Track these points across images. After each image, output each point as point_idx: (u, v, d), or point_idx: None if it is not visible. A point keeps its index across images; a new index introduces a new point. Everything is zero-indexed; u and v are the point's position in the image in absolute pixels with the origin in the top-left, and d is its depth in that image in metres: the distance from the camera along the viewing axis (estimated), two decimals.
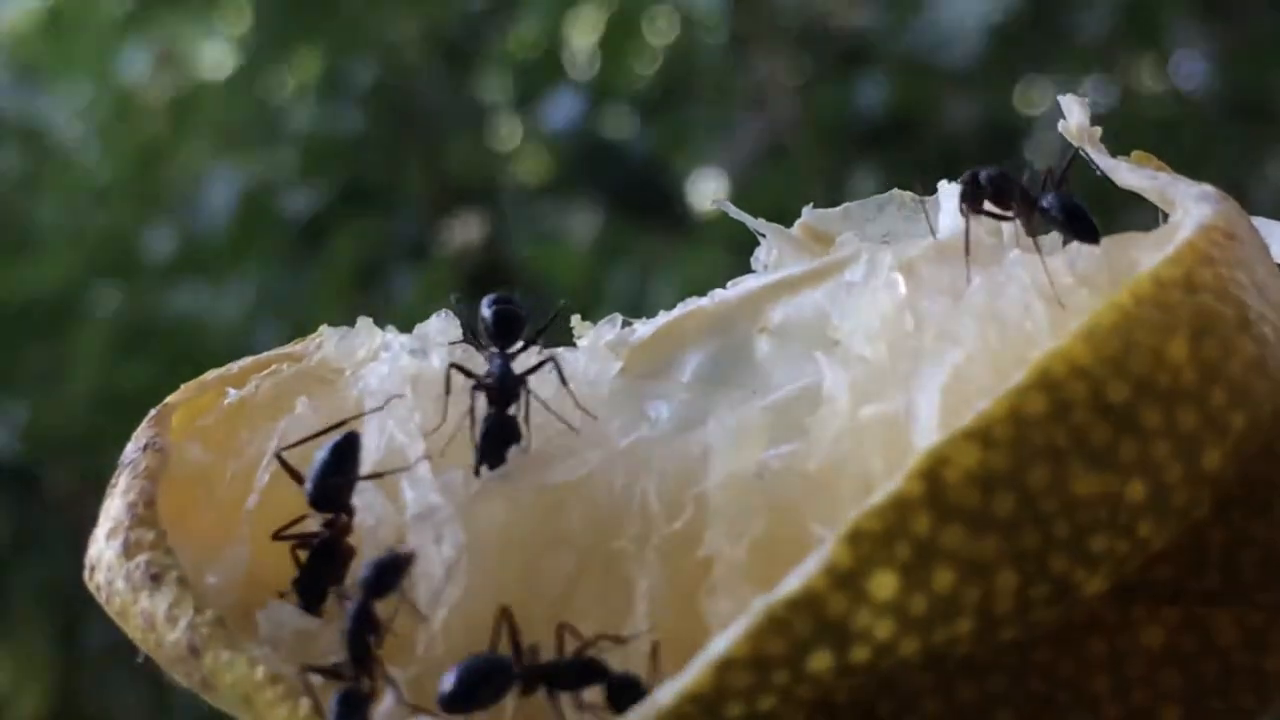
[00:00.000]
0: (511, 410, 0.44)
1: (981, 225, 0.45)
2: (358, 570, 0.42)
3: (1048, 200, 0.44)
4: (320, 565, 0.42)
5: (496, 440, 0.44)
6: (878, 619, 0.38)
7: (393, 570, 0.41)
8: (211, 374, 0.48)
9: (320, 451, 0.43)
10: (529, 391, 0.44)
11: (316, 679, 0.40)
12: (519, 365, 0.45)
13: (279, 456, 0.44)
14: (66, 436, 1.76)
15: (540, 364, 0.45)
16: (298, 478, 0.43)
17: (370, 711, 0.40)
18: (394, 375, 0.46)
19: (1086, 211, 0.43)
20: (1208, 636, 0.43)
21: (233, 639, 0.41)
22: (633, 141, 1.87)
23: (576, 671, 0.40)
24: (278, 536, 0.43)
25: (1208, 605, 0.43)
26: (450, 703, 0.40)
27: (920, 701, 0.43)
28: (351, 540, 0.43)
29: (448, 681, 0.40)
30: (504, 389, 0.44)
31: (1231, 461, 0.40)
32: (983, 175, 0.45)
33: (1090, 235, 0.43)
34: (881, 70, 1.74)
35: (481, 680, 0.40)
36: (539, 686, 0.40)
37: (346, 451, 0.43)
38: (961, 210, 0.45)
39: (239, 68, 1.91)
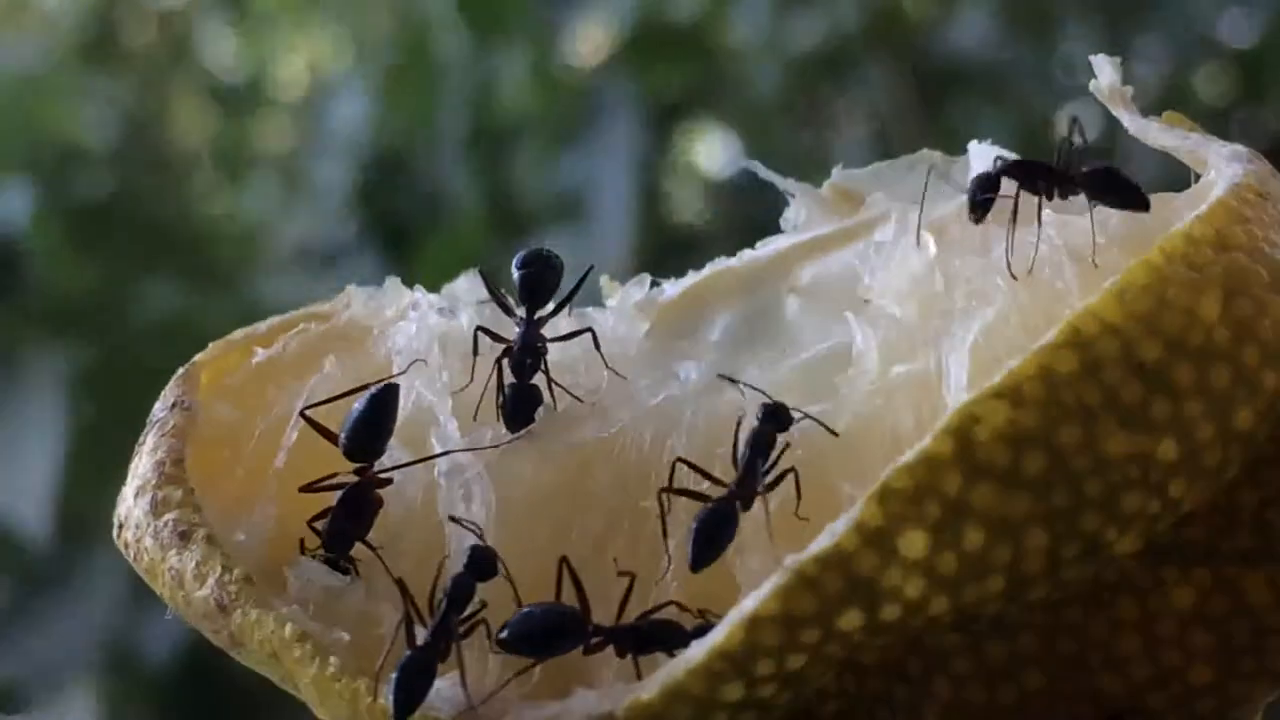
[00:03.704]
0: (536, 375, 0.44)
1: (1011, 184, 0.45)
2: (382, 525, 0.42)
3: (1079, 177, 0.43)
4: (348, 514, 0.42)
5: (519, 408, 0.43)
6: (908, 577, 0.38)
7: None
8: (239, 333, 0.48)
9: (358, 403, 0.43)
10: (545, 367, 0.44)
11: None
12: (550, 330, 0.45)
13: (304, 414, 0.44)
14: None
15: (574, 334, 0.45)
16: (326, 434, 0.43)
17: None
18: (422, 334, 0.46)
19: (1120, 174, 0.43)
20: (1239, 597, 0.43)
21: (261, 597, 0.41)
22: None
23: (654, 634, 0.40)
24: (307, 489, 0.43)
25: (1239, 566, 0.43)
26: (519, 645, 0.40)
27: (949, 661, 0.43)
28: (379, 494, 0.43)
29: (522, 623, 0.40)
30: (525, 356, 0.44)
31: (1264, 421, 0.40)
32: (993, 172, 0.44)
33: (1133, 199, 0.42)
34: None
35: (555, 632, 0.40)
36: (609, 646, 0.40)
37: (384, 403, 0.43)
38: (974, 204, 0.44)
39: None
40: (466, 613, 0.40)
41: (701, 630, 0.39)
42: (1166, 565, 0.43)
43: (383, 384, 0.43)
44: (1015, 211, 0.43)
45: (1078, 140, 0.44)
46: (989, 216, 0.44)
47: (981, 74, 1.66)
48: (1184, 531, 0.42)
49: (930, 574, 0.38)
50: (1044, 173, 0.43)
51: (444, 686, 0.40)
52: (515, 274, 0.45)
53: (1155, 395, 0.39)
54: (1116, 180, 0.43)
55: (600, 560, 0.41)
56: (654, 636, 0.40)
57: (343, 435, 0.42)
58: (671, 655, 0.39)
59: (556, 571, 0.41)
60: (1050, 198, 0.43)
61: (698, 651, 0.38)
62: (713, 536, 0.40)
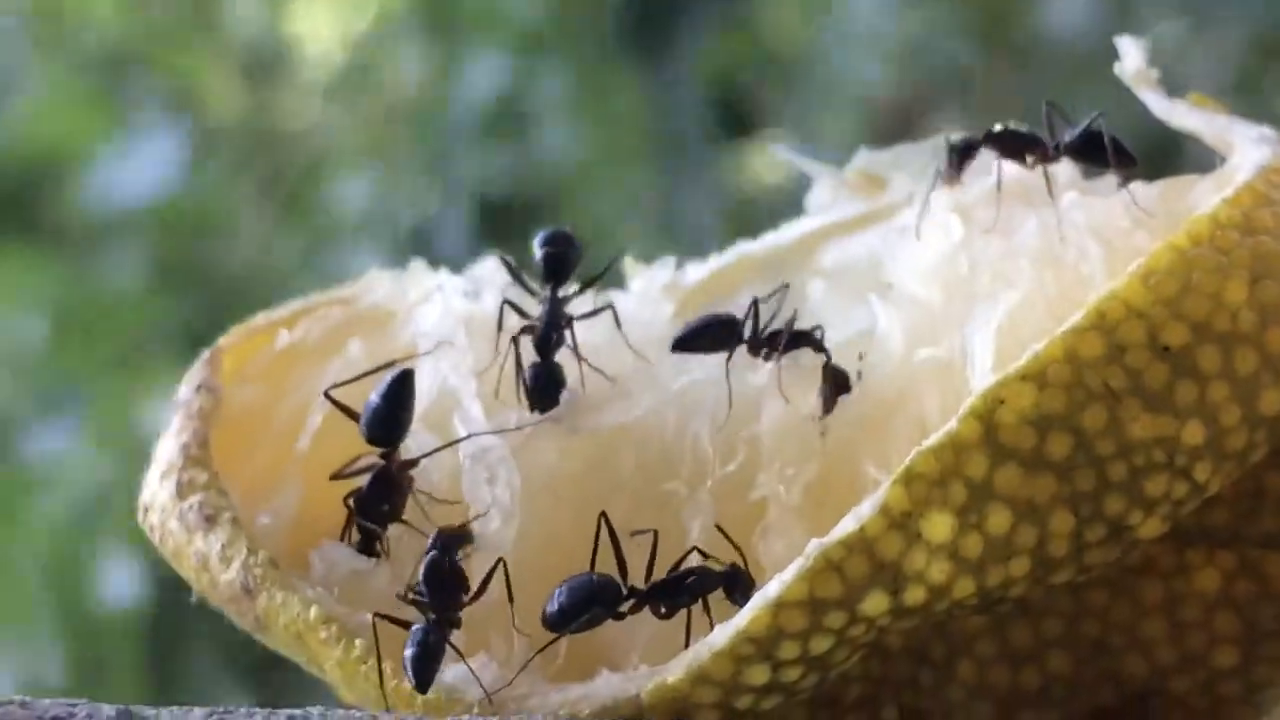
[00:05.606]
0: (560, 351, 0.44)
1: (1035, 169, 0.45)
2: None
3: (1069, 138, 0.44)
4: (377, 498, 0.42)
5: (542, 386, 0.43)
6: (932, 560, 0.38)
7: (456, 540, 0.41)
8: (262, 316, 0.48)
9: (374, 391, 0.43)
10: (573, 336, 0.44)
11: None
12: (573, 309, 0.45)
13: (328, 394, 0.44)
14: None
15: (596, 310, 0.45)
16: (350, 414, 0.43)
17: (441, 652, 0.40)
18: (446, 317, 0.46)
19: (1102, 136, 0.43)
20: (1264, 580, 0.43)
21: (286, 580, 0.42)
22: None
23: (685, 583, 0.40)
24: (336, 477, 0.43)
25: (1264, 549, 0.43)
26: (559, 618, 0.40)
27: (974, 644, 0.43)
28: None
29: (556, 600, 0.40)
30: (550, 332, 0.44)
31: None
32: (973, 139, 0.45)
33: (1120, 158, 0.43)
34: None
35: (591, 598, 0.40)
36: (647, 606, 0.40)
37: (402, 387, 0.43)
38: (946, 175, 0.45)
39: None
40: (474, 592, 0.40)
41: (730, 574, 0.39)
42: (1191, 548, 0.43)
43: (399, 370, 0.43)
44: (1046, 172, 0.43)
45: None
46: (1014, 199, 0.44)
47: (1075, 55, 1.64)
48: (1209, 515, 0.42)
49: (955, 557, 0.38)
50: (1025, 140, 0.44)
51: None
52: (538, 252, 0.45)
53: (1180, 379, 0.39)
54: (1100, 141, 0.43)
55: (624, 542, 0.41)
56: (684, 584, 0.40)
57: (362, 423, 0.42)
58: (706, 607, 0.39)
59: (594, 533, 0.41)
60: (1033, 165, 0.44)
61: (722, 636, 0.38)
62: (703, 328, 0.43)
